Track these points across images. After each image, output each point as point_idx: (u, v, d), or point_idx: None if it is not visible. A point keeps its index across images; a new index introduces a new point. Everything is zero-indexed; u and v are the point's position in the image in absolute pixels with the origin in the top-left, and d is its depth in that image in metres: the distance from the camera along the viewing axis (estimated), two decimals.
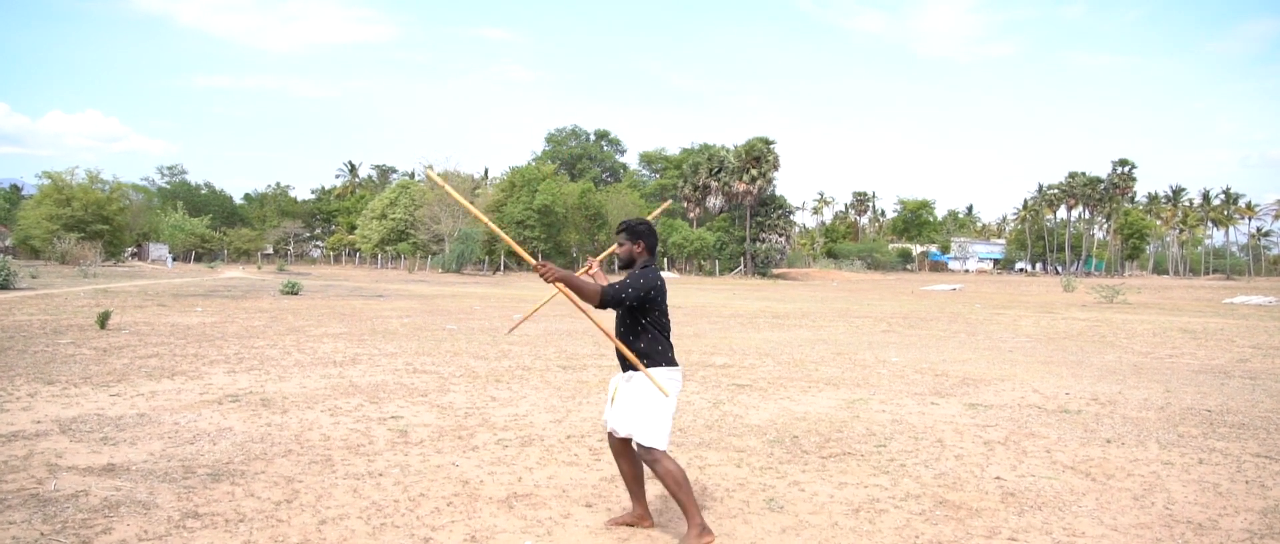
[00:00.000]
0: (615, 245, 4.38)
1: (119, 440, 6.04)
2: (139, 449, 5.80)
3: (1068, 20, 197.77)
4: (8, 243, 64.09)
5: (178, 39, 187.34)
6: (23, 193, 74.81)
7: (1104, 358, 13.07)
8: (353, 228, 78.33)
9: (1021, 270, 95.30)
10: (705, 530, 4.05)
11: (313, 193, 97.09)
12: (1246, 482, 5.57)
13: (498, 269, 64.57)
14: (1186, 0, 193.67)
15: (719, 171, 69.07)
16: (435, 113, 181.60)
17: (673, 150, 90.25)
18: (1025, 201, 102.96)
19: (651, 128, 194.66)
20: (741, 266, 68.06)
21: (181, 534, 4.11)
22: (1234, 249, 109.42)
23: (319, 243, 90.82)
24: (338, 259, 79.34)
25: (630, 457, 4.31)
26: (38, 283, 27.95)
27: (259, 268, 58.51)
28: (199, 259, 70.32)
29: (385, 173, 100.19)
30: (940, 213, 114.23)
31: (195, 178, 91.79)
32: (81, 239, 51.13)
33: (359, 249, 75.42)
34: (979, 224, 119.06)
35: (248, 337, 13.48)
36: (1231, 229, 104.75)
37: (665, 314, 4.24)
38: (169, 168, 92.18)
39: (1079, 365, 12.01)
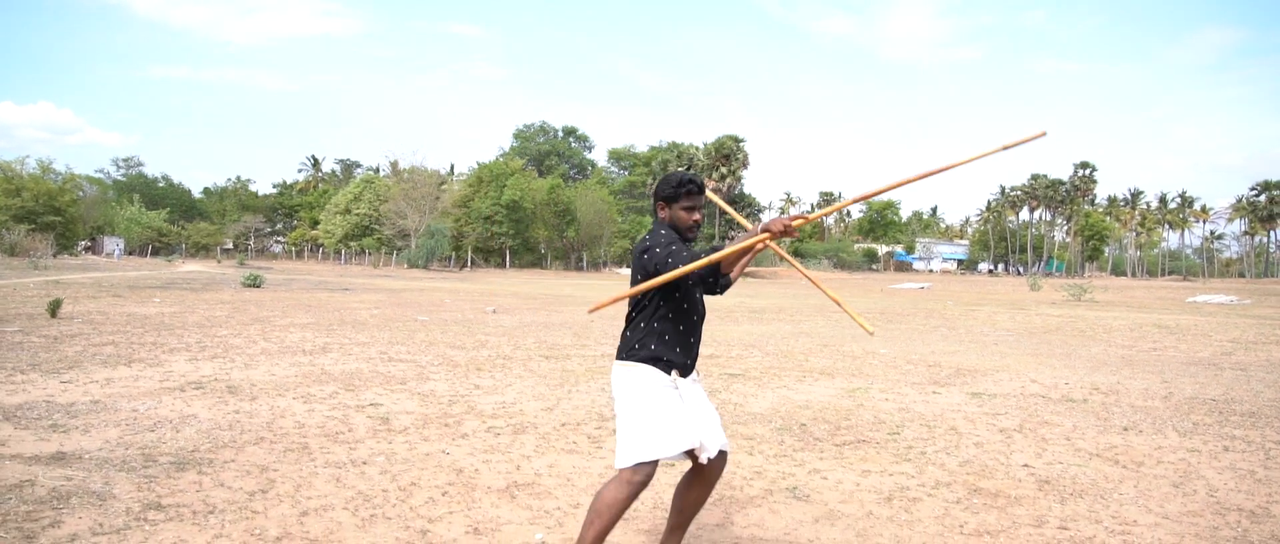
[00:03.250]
0: (693, 214, 3.29)
1: (70, 428, 5.49)
2: (93, 437, 5.26)
3: (1030, 26, 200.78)
4: None
5: (134, 29, 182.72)
6: None
7: (1090, 350, 12.93)
8: (315, 223, 76.75)
9: (987, 271, 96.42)
10: None
11: (274, 187, 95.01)
12: None
13: (465, 265, 63.67)
14: (1144, 8, 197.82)
15: (688, 169, 68.88)
16: (402, 108, 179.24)
17: (642, 148, 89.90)
18: (988, 203, 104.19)
19: (620, 126, 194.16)
20: None
21: (143, 527, 3.61)
22: (1189, 251, 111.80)
23: (281, 238, 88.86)
24: (300, 255, 77.63)
25: (703, 483, 3.27)
26: None
27: (219, 262, 57.07)
28: (156, 253, 68.41)
29: (349, 167, 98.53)
30: (905, 214, 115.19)
31: (153, 171, 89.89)
32: (32, 230, 49.38)
33: (322, 244, 73.89)
34: (943, 225, 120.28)
35: (210, 326, 12.83)
36: (1186, 232, 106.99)
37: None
38: (125, 160, 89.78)
39: (1069, 357, 11.82)
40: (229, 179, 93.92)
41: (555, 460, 5.07)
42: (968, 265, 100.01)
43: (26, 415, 5.82)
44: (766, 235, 3.04)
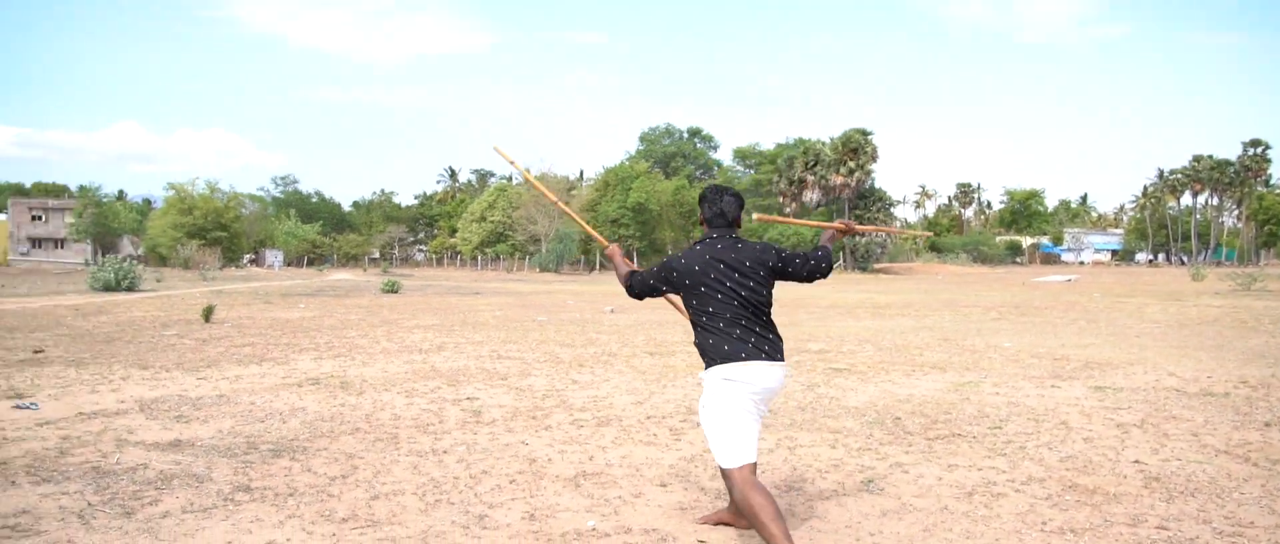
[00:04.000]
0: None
1: (192, 418, 5.94)
2: (209, 427, 5.67)
3: None
4: (139, 251, 68.25)
5: (290, 56, 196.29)
6: (153, 206, 79.70)
7: (1248, 342, 11.78)
8: (454, 231, 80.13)
9: (1146, 261, 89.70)
10: None
11: (416, 198, 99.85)
12: None
13: (593, 268, 64.85)
14: None
15: (815, 165, 67.51)
16: (531, 116, 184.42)
17: (767, 145, 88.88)
18: (1145, 188, 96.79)
19: (746, 125, 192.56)
20: (840, 261, 66.39)
21: (227, 507, 3.86)
22: None
23: (422, 246, 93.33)
24: (440, 262, 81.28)
25: None
26: (161, 286, 29.41)
27: (365, 270, 60.50)
28: (310, 263, 73.29)
29: (484, 177, 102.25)
30: (1051, 203, 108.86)
31: (306, 187, 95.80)
32: (202, 245, 53.88)
33: (460, 251, 77.08)
34: (1094, 214, 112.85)
35: (341, 328, 13.61)
36: None
37: (707, 307, 3.35)
38: (282, 178, 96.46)
39: (1220, 349, 10.82)
40: (374, 192, 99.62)
41: (630, 452, 5.07)
42: (1123, 256, 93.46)
43: (158, 407, 6.35)
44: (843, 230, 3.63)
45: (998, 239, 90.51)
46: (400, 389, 7.36)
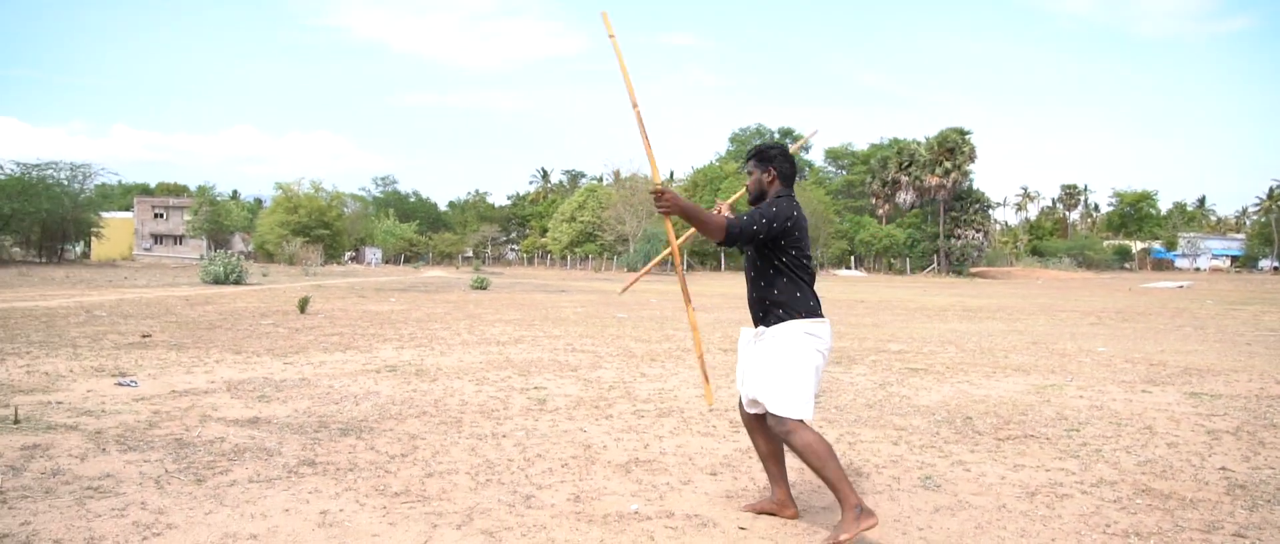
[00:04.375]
0: (746, 176, 3.70)
1: (272, 398, 6.23)
2: (287, 406, 5.94)
3: None
4: (248, 247, 71.94)
5: (391, 62, 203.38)
6: (263, 205, 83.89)
7: None
8: (545, 230, 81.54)
9: (1271, 268, 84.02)
10: (865, 513, 3.22)
11: (508, 199, 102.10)
12: None
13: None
14: None
15: (909, 165, 65.83)
16: (622, 119, 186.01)
17: (861, 146, 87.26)
18: (1270, 190, 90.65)
19: (839, 125, 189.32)
20: (934, 264, 64.52)
21: (290, 479, 4.04)
22: None
23: (514, 246, 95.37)
24: (531, 261, 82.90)
25: (765, 432, 3.59)
26: (266, 280, 30.89)
27: (458, 268, 62.15)
28: (407, 261, 75.76)
29: (575, 178, 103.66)
30: (1165, 205, 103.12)
31: (404, 187, 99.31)
32: (306, 242, 56.39)
33: (550, 251, 78.39)
34: (1213, 217, 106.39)
35: (427, 321, 14.02)
36: None
37: (807, 255, 3.51)
38: (382, 179, 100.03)
39: None
40: (469, 193, 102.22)
41: (686, 441, 5.06)
42: (1244, 262, 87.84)
43: (244, 388, 6.68)
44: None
45: (1105, 243, 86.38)
46: (472, 377, 7.53)
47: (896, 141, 72.68)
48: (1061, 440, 5.21)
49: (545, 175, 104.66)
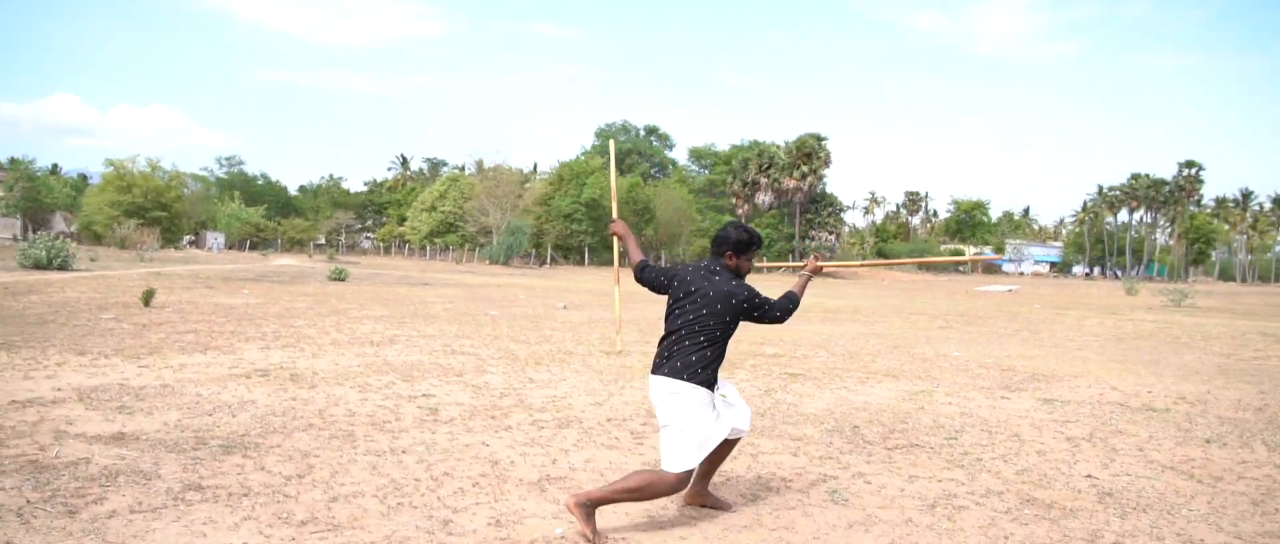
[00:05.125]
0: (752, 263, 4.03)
1: (135, 410, 5.72)
2: (154, 419, 5.47)
3: (1131, 19, 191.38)
4: (72, 228, 65.85)
5: (237, 33, 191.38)
6: (89, 182, 76.95)
7: (1182, 358, 12.19)
8: (403, 220, 78.98)
9: (1083, 274, 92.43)
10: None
11: (365, 185, 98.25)
12: None
13: (545, 261, 64.51)
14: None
15: (769, 168, 68.18)
16: (487, 107, 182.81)
17: (723, 146, 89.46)
18: (1084, 203, 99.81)
19: (702, 125, 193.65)
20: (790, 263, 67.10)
21: (178, 507, 3.71)
22: None
23: (370, 234, 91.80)
24: (387, 250, 79.98)
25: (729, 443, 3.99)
26: (95, 265, 28.37)
27: (310, 257, 59.28)
28: (253, 247, 71.53)
29: (436, 166, 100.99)
30: (995, 214, 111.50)
31: (252, 169, 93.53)
32: (141, 225, 52.19)
33: (408, 240, 76.00)
34: (1036, 226, 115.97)
35: (288, 317, 13.28)
36: None
37: (669, 314, 3.90)
38: (227, 159, 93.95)
39: (1156, 364, 11.17)
40: (323, 177, 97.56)
41: (593, 455, 5.02)
42: (1061, 268, 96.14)
43: (99, 397, 6.10)
44: (814, 270, 4.29)
45: (943, 247, 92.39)
46: (353, 384, 7.20)
47: (757, 144, 75.07)
48: (944, 449, 5.52)
49: (404, 162, 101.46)
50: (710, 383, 3.70)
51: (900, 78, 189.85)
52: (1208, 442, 6.06)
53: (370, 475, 4.36)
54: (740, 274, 3.89)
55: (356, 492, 4.06)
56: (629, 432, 5.72)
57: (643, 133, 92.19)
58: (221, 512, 3.68)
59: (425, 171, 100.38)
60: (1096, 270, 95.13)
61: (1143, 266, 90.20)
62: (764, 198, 69.72)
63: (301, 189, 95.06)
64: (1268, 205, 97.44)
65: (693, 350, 3.68)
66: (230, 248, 68.80)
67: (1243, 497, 4.61)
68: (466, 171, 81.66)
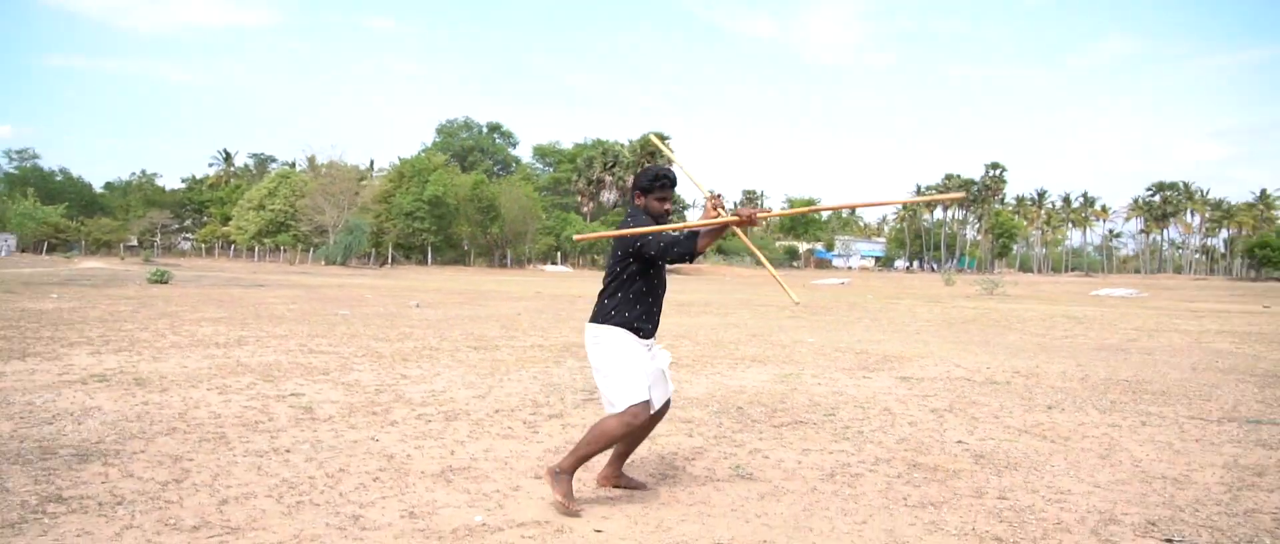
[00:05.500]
0: (665, 204, 3.92)
1: None
2: None
3: (945, 32, 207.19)
4: None
5: (21, 13, 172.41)
6: None
7: (1007, 339, 13.33)
8: (227, 219, 73.91)
9: (904, 268, 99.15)
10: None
11: (183, 182, 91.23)
12: (1196, 441, 5.52)
13: (386, 262, 62.21)
14: (1050, 17, 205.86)
15: (613, 166, 68.87)
16: (319, 102, 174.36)
17: (567, 144, 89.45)
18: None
19: (546, 123, 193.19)
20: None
21: (41, 521, 3.32)
22: (1090, 249, 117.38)
23: (190, 235, 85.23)
24: (210, 252, 74.55)
25: (649, 422, 3.94)
26: None
27: (122, 259, 54.45)
28: (52, 250, 64.82)
29: (263, 162, 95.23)
30: (825, 212, 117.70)
31: (49, 163, 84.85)
32: None
33: (234, 241, 71.18)
34: (861, 223, 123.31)
35: (113, 321, 12.14)
36: (1088, 230, 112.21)
37: None
38: (18, 152, 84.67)
39: (988, 344, 12.16)
40: (134, 173, 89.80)
41: (491, 445, 4.90)
42: (885, 262, 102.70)
43: None
44: (736, 220, 3.65)
45: (778, 244, 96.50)
46: (210, 386, 6.67)
47: (600, 142, 75.61)
48: (826, 425, 5.77)
49: (228, 158, 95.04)
50: (630, 324, 3.73)
51: (737, 80, 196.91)
52: (1049, 408, 6.66)
53: (257, 476, 4.06)
54: (650, 213, 3.85)
55: (247, 493, 3.77)
56: (521, 421, 5.62)
57: (485, 130, 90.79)
58: (95, 522, 3.32)
59: (252, 168, 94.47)
60: (916, 264, 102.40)
61: (955, 260, 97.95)
62: (609, 195, 70.37)
63: (109, 186, 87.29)
64: (1059, 204, 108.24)
65: (606, 295, 3.80)
66: (23, 251, 62.10)
67: (1090, 452, 5.10)
68: (298, 168, 77.53)
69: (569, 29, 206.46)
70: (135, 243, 73.58)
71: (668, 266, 3.83)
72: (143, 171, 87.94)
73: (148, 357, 8.28)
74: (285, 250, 65.02)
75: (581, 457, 3.71)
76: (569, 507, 3.57)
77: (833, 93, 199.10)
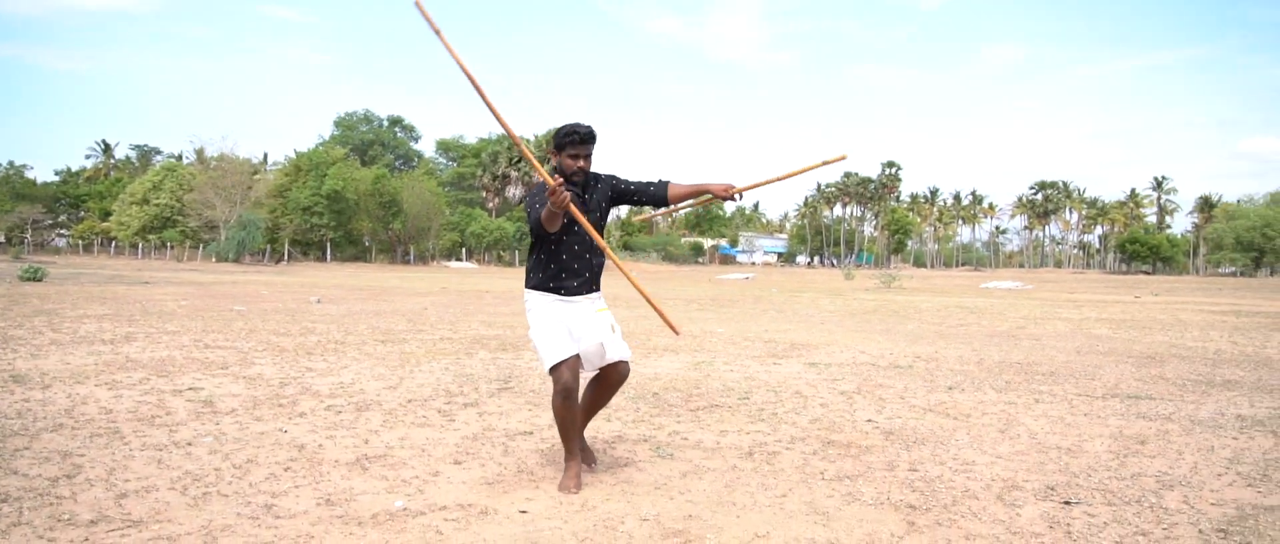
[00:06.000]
0: (577, 161, 3.84)
1: None
2: None
3: (843, 33, 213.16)
4: None
5: None
6: None
7: (906, 327, 13.85)
8: (108, 214, 69.80)
9: (805, 263, 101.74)
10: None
11: (57, 174, 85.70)
12: (1085, 415, 5.86)
13: (282, 258, 59.93)
14: (943, 24, 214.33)
15: (519, 161, 68.22)
16: (210, 92, 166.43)
17: (472, 139, 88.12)
18: (806, 199, 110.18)
19: (450, 117, 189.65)
20: None
21: None
22: (978, 244, 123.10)
23: (65, 230, 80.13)
24: (88, 248, 70.27)
25: (603, 386, 3.97)
26: None
27: None
28: None
29: (147, 154, 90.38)
30: (729, 208, 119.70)
31: None
32: None
33: (115, 238, 67.27)
34: (764, 220, 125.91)
35: None
36: (976, 226, 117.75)
37: None
38: None
39: (888, 333, 12.60)
40: (0, 165, 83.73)
41: (406, 434, 4.78)
42: (787, 258, 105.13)
43: None
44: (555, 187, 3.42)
45: (683, 240, 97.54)
46: (97, 382, 6.29)
47: (505, 137, 74.71)
48: (741, 408, 5.87)
49: (107, 149, 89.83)
50: (543, 285, 3.80)
51: (643, 77, 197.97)
52: (950, 389, 6.95)
53: (157, 469, 3.85)
54: (562, 172, 3.85)
55: (147, 486, 3.57)
56: (435, 410, 5.51)
57: (386, 123, 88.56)
58: None
59: (134, 160, 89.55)
60: (817, 260, 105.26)
61: (854, 256, 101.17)
62: (515, 191, 69.71)
63: None
64: (950, 201, 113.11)
65: (529, 259, 3.93)
66: None
67: (991, 427, 5.35)
68: (185, 161, 73.87)
69: (475, 24, 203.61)
70: (3, 239, 68.70)
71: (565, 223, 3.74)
72: (10, 163, 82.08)
73: (25, 354, 7.75)
74: (173, 247, 61.85)
75: (563, 441, 3.76)
76: (566, 485, 3.67)
77: (738, 90, 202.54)
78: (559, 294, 3.79)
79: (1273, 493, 3.91)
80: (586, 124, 3.81)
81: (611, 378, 3.92)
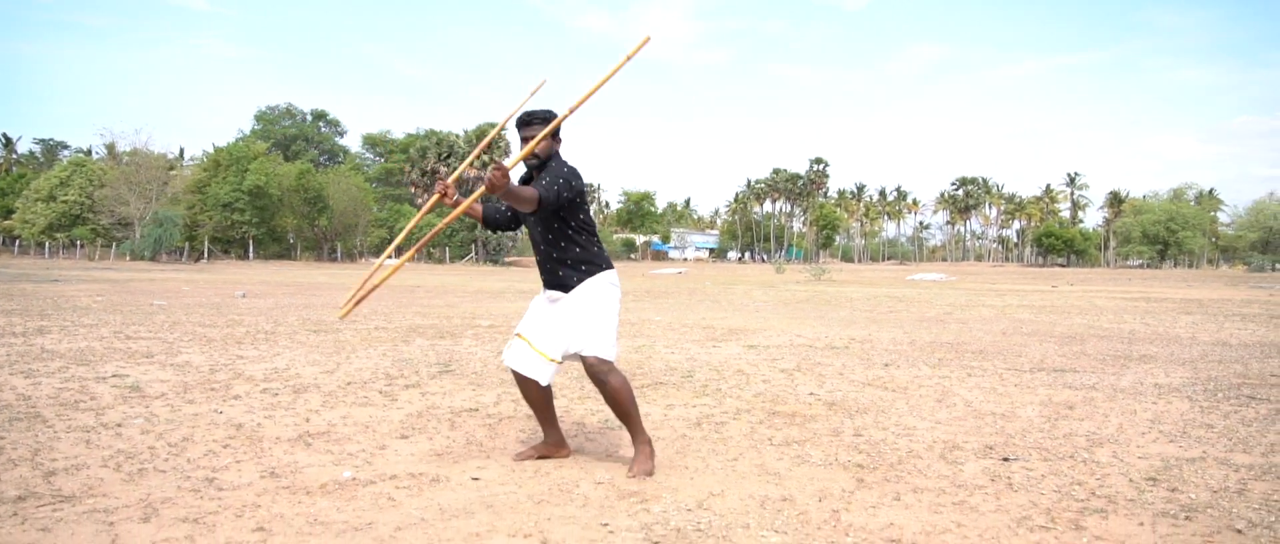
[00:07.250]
0: (526, 146, 3.54)
1: None
2: None
3: (771, 34, 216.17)
4: None
5: None
6: None
7: (839, 313, 14.14)
8: (10, 212, 66.28)
9: (737, 258, 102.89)
10: (652, 448, 3.63)
11: None
12: (1015, 386, 6.07)
13: (202, 256, 57.84)
14: (867, 25, 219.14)
15: (449, 156, 67.33)
16: (119, 85, 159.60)
17: (399, 134, 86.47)
18: (736, 195, 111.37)
19: (375, 112, 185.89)
20: (473, 254, 66.84)
21: None
22: (903, 239, 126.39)
23: None
24: None
25: (541, 386, 3.66)
26: None
27: None
28: None
29: (52, 149, 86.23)
30: (661, 205, 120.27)
31: None
32: None
33: (19, 236, 63.94)
34: (696, 216, 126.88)
35: None
36: (901, 222, 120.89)
37: (587, 213, 3.65)
38: None
39: (822, 319, 12.85)
40: None
41: (348, 412, 4.68)
42: (718, 254, 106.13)
43: None
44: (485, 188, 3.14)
45: (615, 236, 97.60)
46: (11, 370, 5.98)
47: (434, 132, 73.54)
48: (685, 385, 5.91)
49: (8, 142, 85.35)
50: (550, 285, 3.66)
51: (572, 73, 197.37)
52: (886, 366, 7.13)
53: (86, 449, 3.68)
54: (548, 159, 3.62)
55: (77, 465, 3.41)
56: (376, 392, 5.40)
57: (310, 118, 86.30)
58: None
59: (38, 155, 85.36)
60: (747, 255, 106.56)
61: (784, 251, 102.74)
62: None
63: None
64: (876, 197, 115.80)
65: (583, 242, 3.66)
66: None
67: (928, 398, 5.50)
68: (95, 155, 70.70)
69: (403, 18, 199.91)
70: None
71: (544, 227, 3.57)
72: None
73: None
74: (83, 245, 59.09)
75: (632, 423, 3.60)
76: (643, 468, 3.51)
77: (667, 89, 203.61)
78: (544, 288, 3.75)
79: (1192, 448, 4.12)
80: (533, 109, 3.68)
81: (589, 370, 3.73)
